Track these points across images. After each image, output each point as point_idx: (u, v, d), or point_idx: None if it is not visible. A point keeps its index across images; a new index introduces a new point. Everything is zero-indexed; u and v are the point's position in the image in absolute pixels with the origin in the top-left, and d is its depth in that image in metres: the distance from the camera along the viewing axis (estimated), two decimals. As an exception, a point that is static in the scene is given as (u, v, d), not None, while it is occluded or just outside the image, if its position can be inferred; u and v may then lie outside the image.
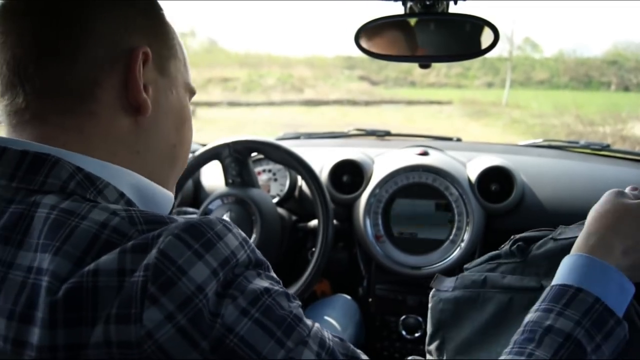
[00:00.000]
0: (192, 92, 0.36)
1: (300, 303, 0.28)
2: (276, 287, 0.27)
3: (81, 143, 0.29)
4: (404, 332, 0.86)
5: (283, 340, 0.25)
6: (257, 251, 0.27)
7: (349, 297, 0.86)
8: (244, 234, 0.27)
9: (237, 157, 0.79)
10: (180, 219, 0.27)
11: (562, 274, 0.32)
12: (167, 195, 0.33)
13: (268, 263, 0.28)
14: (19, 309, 0.24)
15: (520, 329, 0.31)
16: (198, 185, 0.98)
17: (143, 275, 0.23)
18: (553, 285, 0.32)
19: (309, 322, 0.27)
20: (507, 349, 0.31)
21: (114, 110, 0.30)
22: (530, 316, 0.31)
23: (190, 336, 0.23)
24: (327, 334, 0.28)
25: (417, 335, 0.86)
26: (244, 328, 0.24)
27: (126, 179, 0.30)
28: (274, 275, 0.28)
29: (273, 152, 0.78)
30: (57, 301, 0.23)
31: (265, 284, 0.26)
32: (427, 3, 0.53)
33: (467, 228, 0.82)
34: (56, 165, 0.28)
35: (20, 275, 0.25)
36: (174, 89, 0.33)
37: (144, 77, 0.31)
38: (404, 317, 0.86)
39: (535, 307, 0.32)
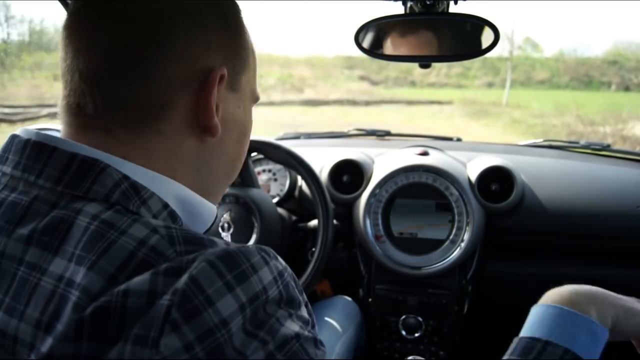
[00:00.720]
0: (256, 100, 0.35)
1: (325, 350, 0.27)
2: (306, 333, 0.26)
3: (141, 158, 0.28)
4: (404, 332, 0.86)
5: None
6: (292, 286, 0.26)
7: (349, 298, 0.86)
8: (281, 266, 0.26)
9: (237, 157, 0.79)
10: (221, 242, 0.26)
11: (531, 324, 0.32)
12: (210, 208, 0.32)
13: (301, 299, 0.27)
14: (46, 318, 0.24)
15: None
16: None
17: (169, 299, 0.22)
18: (521, 338, 0.31)
19: None
20: None
21: (182, 130, 0.29)
22: None
23: None
24: None
25: (417, 335, 0.86)
26: None
27: (171, 190, 0.29)
28: (305, 314, 0.27)
29: (273, 152, 0.77)
30: (84, 319, 0.23)
31: (296, 328, 0.25)
32: (428, 3, 0.53)
33: (467, 228, 0.81)
34: (103, 172, 0.27)
35: (51, 284, 0.24)
36: (241, 103, 0.32)
37: (218, 96, 0.29)
38: (404, 317, 0.86)
39: (505, 357, 0.31)
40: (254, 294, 0.24)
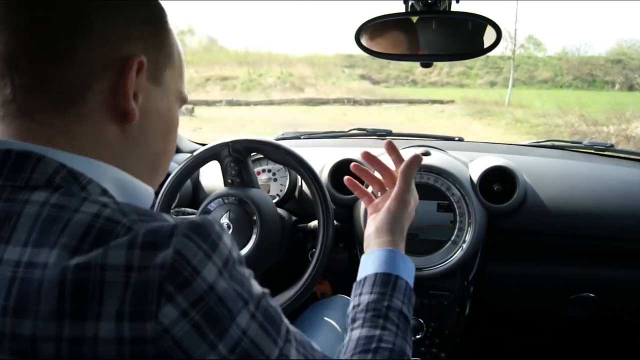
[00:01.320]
0: (183, 101, 0.36)
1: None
2: (265, 290, 0.30)
3: (67, 143, 0.29)
4: (404, 334, 0.86)
5: (277, 339, 0.29)
6: (237, 247, 0.30)
7: (349, 297, 0.85)
8: (229, 233, 0.29)
9: (237, 157, 0.78)
10: (168, 216, 0.28)
11: (380, 264, 0.42)
12: (148, 190, 0.34)
13: (242, 256, 0.31)
14: (11, 303, 0.24)
15: (362, 306, 0.40)
16: (197, 185, 0.97)
17: (159, 274, 0.24)
18: (377, 273, 0.42)
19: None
20: (357, 324, 0.39)
21: (102, 115, 0.30)
22: (366, 297, 0.40)
23: (202, 331, 0.25)
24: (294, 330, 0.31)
25: (418, 337, 0.85)
26: (253, 331, 0.27)
27: (108, 175, 0.30)
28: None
29: (273, 152, 0.77)
30: (65, 295, 0.24)
31: (259, 287, 0.29)
32: (429, 1, 0.52)
33: (469, 229, 0.81)
34: (40, 161, 0.28)
35: (10, 271, 0.25)
36: (165, 98, 0.33)
37: (136, 86, 0.31)
38: (404, 318, 0.86)
39: (365, 289, 0.41)
40: (225, 258, 0.27)
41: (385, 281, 0.41)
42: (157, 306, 0.24)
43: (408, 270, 0.43)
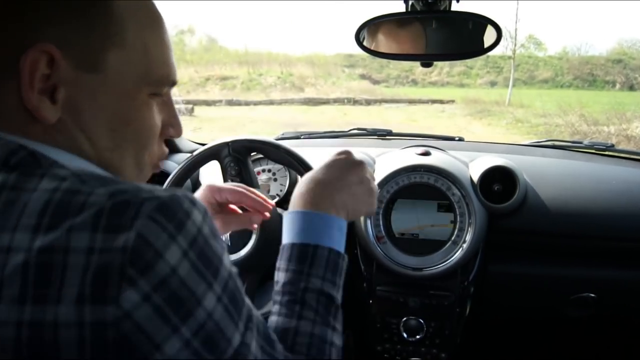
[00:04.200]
0: (160, 84, 0.31)
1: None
2: (233, 269, 0.29)
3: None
4: (405, 334, 0.86)
5: (238, 323, 0.27)
6: (211, 219, 0.28)
7: None
8: (204, 206, 0.27)
9: (237, 156, 0.78)
10: (133, 185, 0.26)
11: (296, 231, 0.36)
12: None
13: (217, 228, 0.28)
14: None
15: (279, 287, 0.35)
16: (197, 185, 0.97)
17: (121, 258, 0.24)
18: (293, 244, 0.36)
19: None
20: (275, 309, 0.35)
21: (18, 114, 0.28)
22: (283, 276, 0.35)
23: (165, 314, 0.24)
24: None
25: (418, 337, 0.85)
26: (218, 314, 0.26)
27: (73, 162, 0.28)
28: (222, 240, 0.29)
29: (273, 152, 0.77)
30: (27, 277, 0.23)
31: (228, 266, 0.28)
32: (429, 1, 0.52)
33: (469, 229, 0.80)
34: None
35: None
36: (107, 87, 0.29)
37: (55, 78, 0.27)
38: (405, 319, 0.85)
39: (282, 264, 0.36)
40: (192, 237, 0.26)
41: (302, 254, 0.35)
42: (117, 290, 0.23)
43: (333, 232, 0.36)
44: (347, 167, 0.40)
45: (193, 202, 0.27)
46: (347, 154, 0.42)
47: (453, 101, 10.34)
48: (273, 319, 0.34)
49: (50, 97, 0.28)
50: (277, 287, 0.35)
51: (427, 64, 0.60)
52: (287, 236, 0.37)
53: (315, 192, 0.38)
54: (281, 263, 0.36)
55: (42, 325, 0.23)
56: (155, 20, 0.31)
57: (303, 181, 0.40)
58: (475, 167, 0.86)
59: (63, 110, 0.28)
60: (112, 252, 0.24)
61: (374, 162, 0.90)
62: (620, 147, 1.03)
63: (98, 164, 0.30)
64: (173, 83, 0.32)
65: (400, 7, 0.55)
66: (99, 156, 0.30)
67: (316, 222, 0.36)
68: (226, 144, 0.77)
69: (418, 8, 0.54)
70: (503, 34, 0.53)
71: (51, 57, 0.27)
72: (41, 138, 0.28)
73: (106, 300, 0.23)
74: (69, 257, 0.23)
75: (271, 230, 0.77)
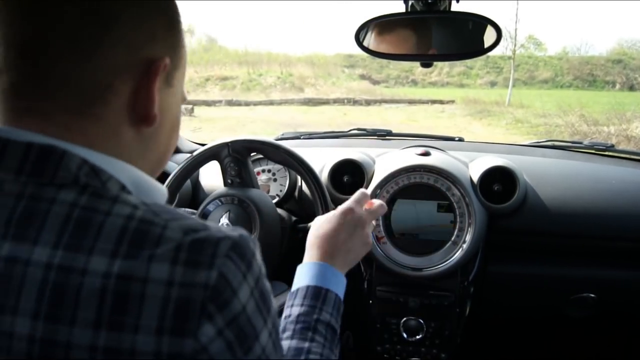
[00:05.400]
0: (184, 100, 0.36)
1: None
2: (276, 306, 0.31)
3: (82, 142, 0.28)
4: (405, 335, 0.86)
5: (283, 356, 0.30)
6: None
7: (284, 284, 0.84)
8: (259, 247, 0.30)
9: (236, 157, 0.78)
10: (197, 219, 0.28)
11: (312, 277, 0.44)
12: (161, 190, 0.33)
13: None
14: (44, 307, 0.24)
15: (292, 318, 0.41)
16: (197, 185, 0.97)
17: (203, 294, 0.25)
18: (309, 286, 0.43)
19: None
20: (287, 334, 0.40)
21: (121, 117, 0.29)
22: (297, 310, 0.42)
23: (233, 349, 0.26)
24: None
25: (418, 337, 0.85)
26: (268, 348, 0.28)
27: (127, 173, 0.30)
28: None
29: (273, 152, 0.77)
30: (104, 304, 0.24)
31: (275, 303, 0.30)
32: (429, 1, 0.52)
33: (469, 229, 0.80)
34: (64, 157, 0.27)
35: (40, 273, 0.24)
36: (174, 99, 0.33)
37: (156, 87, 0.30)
38: (405, 319, 0.85)
39: (297, 301, 0.43)
40: (257, 277, 0.28)
41: (316, 294, 0.43)
42: (197, 324, 0.24)
43: (339, 283, 0.45)
44: (353, 229, 0.48)
45: (254, 242, 0.29)
46: (352, 212, 0.49)
47: (453, 101, 10.35)
48: (286, 343, 0.39)
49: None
50: (291, 318, 0.41)
51: (427, 64, 0.60)
52: (304, 280, 0.44)
53: (327, 250, 0.46)
54: (295, 300, 0.43)
55: (118, 352, 0.24)
56: (186, 48, 0.36)
57: (317, 235, 0.48)
58: (475, 168, 0.86)
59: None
60: (194, 287, 0.25)
61: (374, 162, 0.90)
62: (620, 147, 1.03)
63: (151, 167, 0.33)
64: (184, 100, 0.37)
65: (400, 8, 0.55)
66: (154, 161, 0.34)
67: (329, 273, 0.45)
68: (226, 145, 0.78)
69: (418, 8, 0.54)
70: (503, 34, 0.53)
71: (164, 69, 0.30)
72: (122, 142, 0.30)
73: (185, 333, 0.24)
74: (147, 287, 0.24)
75: (271, 230, 0.77)
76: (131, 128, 0.30)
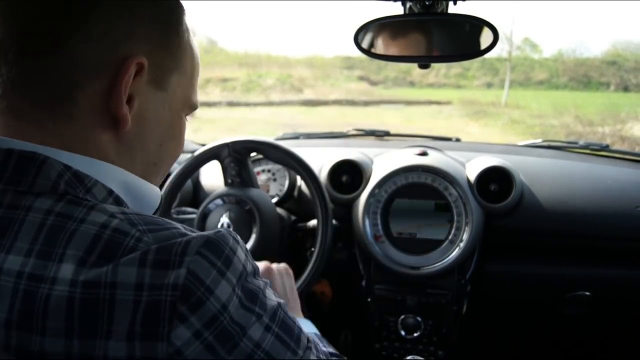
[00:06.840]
0: (192, 108, 0.34)
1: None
2: (280, 300, 0.29)
3: (60, 146, 0.27)
4: (403, 332, 0.86)
5: (296, 350, 0.28)
6: (251, 257, 0.29)
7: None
8: (244, 243, 0.28)
9: (237, 157, 0.79)
10: (179, 225, 0.27)
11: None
12: (154, 191, 0.32)
13: (257, 266, 0.30)
14: (15, 317, 0.24)
15: None
16: (197, 185, 0.97)
17: (172, 294, 0.24)
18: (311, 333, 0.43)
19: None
20: None
21: (93, 118, 0.28)
22: None
23: (215, 350, 0.24)
24: (310, 336, 0.31)
25: (416, 335, 0.86)
26: (268, 343, 0.27)
27: (114, 176, 0.29)
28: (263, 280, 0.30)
29: (272, 152, 0.77)
30: (73, 312, 0.23)
31: (274, 297, 0.29)
32: (427, 3, 0.53)
33: (466, 228, 0.81)
34: (44, 164, 0.26)
35: (11, 282, 0.24)
36: (167, 105, 0.31)
37: (132, 89, 0.28)
38: (402, 317, 0.86)
39: None
40: (239, 273, 0.26)
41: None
42: (169, 327, 0.23)
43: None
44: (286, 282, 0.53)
45: (236, 239, 0.27)
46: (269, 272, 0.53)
47: (450, 102, 10.38)
48: None
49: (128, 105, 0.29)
50: None
51: (424, 65, 0.60)
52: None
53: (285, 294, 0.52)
54: None
55: (92, 359, 0.23)
56: (198, 54, 0.33)
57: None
58: (472, 167, 0.87)
59: (132, 119, 0.29)
60: (163, 289, 0.24)
61: (372, 162, 0.91)
62: (614, 147, 1.05)
63: (141, 175, 0.31)
64: (194, 109, 0.35)
65: (398, 10, 0.56)
66: (142, 169, 0.31)
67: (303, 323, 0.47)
68: (226, 145, 0.78)
69: (416, 10, 0.55)
70: (499, 36, 0.54)
71: (140, 68, 0.28)
72: (100, 145, 0.29)
73: (156, 337, 0.23)
74: (116, 292, 0.23)
75: (270, 230, 0.78)
76: (107, 130, 0.29)
